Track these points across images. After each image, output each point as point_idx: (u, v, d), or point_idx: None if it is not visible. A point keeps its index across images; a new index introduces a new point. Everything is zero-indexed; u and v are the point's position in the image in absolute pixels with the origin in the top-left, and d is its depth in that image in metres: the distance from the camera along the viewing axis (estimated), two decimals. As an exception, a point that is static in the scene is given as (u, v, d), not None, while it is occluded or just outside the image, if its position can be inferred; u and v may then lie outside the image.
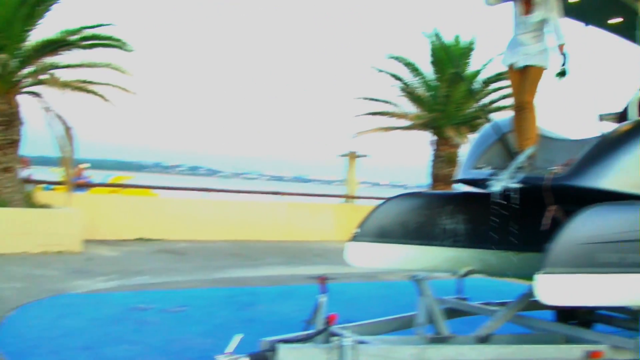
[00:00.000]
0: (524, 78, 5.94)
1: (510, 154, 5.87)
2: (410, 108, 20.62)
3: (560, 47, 5.68)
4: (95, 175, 22.80)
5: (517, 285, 7.25)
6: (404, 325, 5.69)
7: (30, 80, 14.13)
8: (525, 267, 5.94)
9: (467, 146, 6.92)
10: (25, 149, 14.46)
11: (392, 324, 5.76)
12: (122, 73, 14.68)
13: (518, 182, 5.37)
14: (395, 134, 20.84)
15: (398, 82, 20.28)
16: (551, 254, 4.28)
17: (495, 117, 7.85)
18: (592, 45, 7.22)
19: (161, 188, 21.26)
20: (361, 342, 4.39)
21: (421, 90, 20.28)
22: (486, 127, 6.37)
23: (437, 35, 19.79)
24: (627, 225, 4.54)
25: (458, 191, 7.55)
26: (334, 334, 4.54)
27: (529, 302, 5.48)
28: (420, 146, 21.18)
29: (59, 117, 13.96)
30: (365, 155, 22.67)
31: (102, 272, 11.14)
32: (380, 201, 5.95)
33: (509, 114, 6.54)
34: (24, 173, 15.12)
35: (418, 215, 5.89)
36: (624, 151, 5.14)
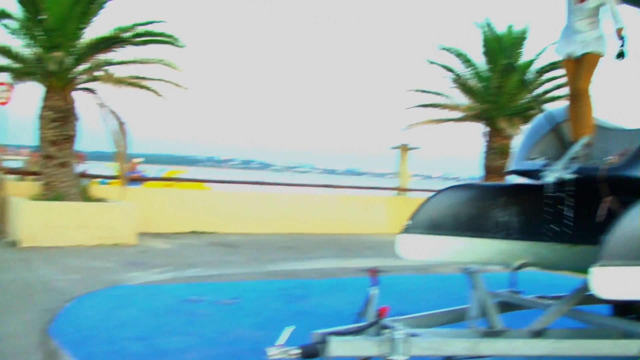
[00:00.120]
0: (580, 66, 5.79)
1: (564, 144, 5.74)
2: (462, 99, 20.35)
3: (619, 31, 5.52)
4: (149, 170, 23.16)
5: (571, 278, 7.12)
6: (456, 319, 5.61)
7: (85, 77, 14.39)
8: (580, 260, 5.80)
9: (519, 137, 6.77)
10: (81, 144, 14.73)
11: (444, 317, 5.69)
12: (174, 69, 14.83)
13: (572, 173, 5.25)
14: (447, 126, 20.61)
15: (450, 74, 20.04)
16: (607, 246, 4.17)
17: (549, 107, 7.70)
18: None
19: (214, 182, 21.45)
20: (413, 335, 4.33)
21: (473, 82, 19.98)
22: (539, 117, 6.24)
23: (489, 25, 19.46)
24: None
25: (511, 183, 7.43)
26: (385, 327, 4.49)
27: (584, 296, 5.33)
28: (473, 138, 20.91)
29: (113, 112, 14.19)
30: (417, 148, 22.50)
31: (156, 264, 11.30)
32: (432, 193, 5.88)
33: (563, 104, 6.40)
34: (80, 168, 15.41)
35: (470, 207, 5.80)
36: None
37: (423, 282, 10.78)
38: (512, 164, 6.23)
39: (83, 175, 15.68)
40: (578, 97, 5.80)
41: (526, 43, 19.64)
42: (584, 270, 4.54)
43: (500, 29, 19.53)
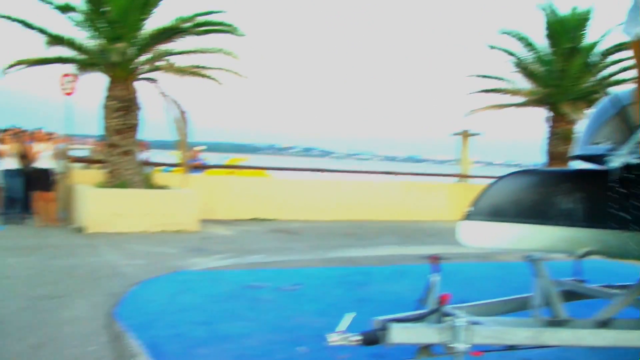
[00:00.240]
0: None
1: (630, 128, 5.56)
2: (524, 84, 19.94)
3: None
4: (211, 158, 23.39)
5: (638, 267, 6.92)
6: (518, 307, 5.50)
7: (147, 67, 14.61)
8: (647, 248, 5.63)
9: (584, 121, 6.57)
10: (144, 133, 14.96)
11: (506, 305, 5.59)
12: (234, 57, 14.91)
13: (638, 158, 5.09)
14: (509, 111, 20.27)
15: (512, 58, 19.65)
16: None
17: (614, 90, 7.49)
18: None
19: (275, 169, 21.57)
20: (475, 323, 4.27)
21: (535, 65, 19.53)
22: (604, 100, 6.06)
23: (551, 7, 19.01)
24: None
25: (575, 168, 7.24)
26: (446, 314, 4.43)
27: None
28: (535, 123, 20.51)
29: (175, 101, 14.37)
30: (478, 134, 22.17)
31: (218, 250, 11.44)
32: (494, 180, 5.77)
33: (630, 86, 6.20)
34: (143, 156, 15.65)
35: (533, 194, 5.67)
36: None
37: (485, 269, 10.65)
38: (576, 149, 6.06)
39: (146, 163, 15.93)
40: None
41: (590, 24, 19.12)
42: (651, 258, 4.41)
43: (564, 10, 19.07)
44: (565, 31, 18.44)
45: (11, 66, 14.21)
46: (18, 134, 14.76)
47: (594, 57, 18.74)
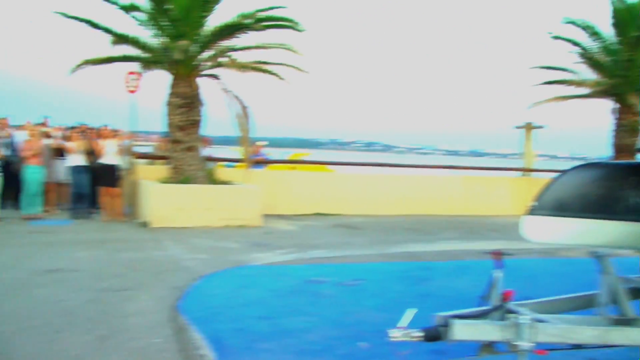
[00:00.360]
0: None
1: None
2: (590, 75, 19.41)
3: None
4: (273, 153, 23.50)
5: None
6: (584, 305, 5.33)
7: (209, 63, 14.75)
8: None
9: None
10: (207, 129, 15.10)
11: (571, 302, 5.44)
12: (295, 53, 14.93)
13: None
14: (573, 103, 19.78)
15: (576, 48, 19.16)
16: None
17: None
18: None
19: (337, 164, 21.55)
20: (539, 321, 4.17)
21: (601, 56, 18.99)
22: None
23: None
24: None
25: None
26: (510, 311, 4.34)
27: None
28: (601, 115, 19.97)
29: (237, 97, 14.49)
30: (542, 127, 21.70)
31: (280, 245, 11.50)
32: (559, 173, 5.62)
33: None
34: (206, 152, 15.82)
35: (599, 187, 5.50)
36: None
37: (549, 265, 10.44)
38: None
39: (209, 158, 16.09)
40: None
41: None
42: None
43: (632, -3, 18.48)
44: (633, 19, 17.88)
45: (78, 66, 14.54)
46: (85, 132, 15.11)
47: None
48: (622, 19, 18.23)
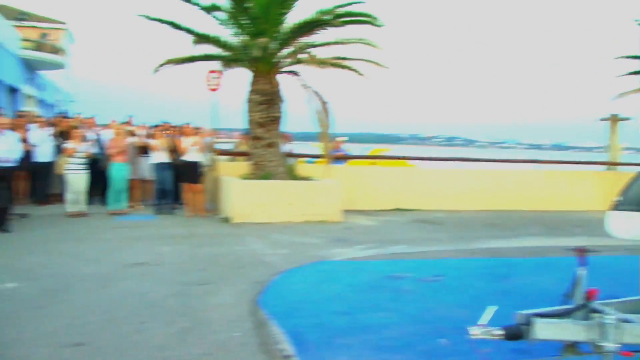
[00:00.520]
0: None
1: None
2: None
3: None
4: (353, 148, 23.50)
5: None
6: (674, 306, 5.14)
7: (288, 60, 14.83)
8: None
9: None
10: (287, 125, 15.21)
11: (660, 302, 5.23)
12: (375, 48, 14.84)
13: None
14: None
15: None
16: None
17: None
18: None
19: (418, 159, 21.36)
20: (625, 321, 4.00)
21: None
22: None
23: None
24: None
25: None
26: (594, 310, 4.18)
27: None
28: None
29: (317, 93, 14.51)
30: (628, 119, 20.96)
31: (360, 240, 11.48)
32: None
33: None
34: (286, 148, 15.93)
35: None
36: None
37: (635, 263, 10.04)
38: None
39: (289, 154, 16.22)
40: None
41: None
42: None
43: None
44: None
45: (161, 65, 14.87)
46: (167, 129, 15.46)
47: None
48: None
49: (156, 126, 15.65)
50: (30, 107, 32.78)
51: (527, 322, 3.95)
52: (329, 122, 14.46)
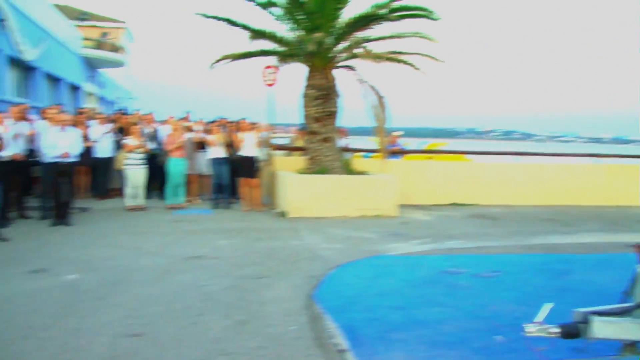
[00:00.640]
0: None
1: None
2: None
3: None
4: (410, 143, 23.34)
5: None
6: None
7: (344, 55, 14.82)
8: None
9: None
10: (343, 120, 15.20)
11: None
12: (431, 41, 14.72)
13: None
14: None
15: None
16: None
17: None
18: None
19: (474, 153, 21.12)
20: None
21: None
22: None
23: None
24: None
25: None
26: (654, 309, 4.10)
27: None
28: None
29: (373, 88, 14.46)
30: (697, 111, 20.35)
31: (416, 235, 11.43)
32: None
33: None
34: (342, 142, 15.93)
35: None
36: None
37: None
38: None
39: (345, 149, 16.21)
40: None
41: None
42: None
43: None
44: None
45: (217, 61, 15.04)
46: (224, 125, 15.62)
47: None
48: None
49: (213, 122, 15.81)
50: (90, 104, 33.55)
51: (585, 320, 3.88)
52: (385, 116, 14.40)
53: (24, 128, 12.62)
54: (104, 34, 40.51)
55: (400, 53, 14.98)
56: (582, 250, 10.24)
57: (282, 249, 9.93)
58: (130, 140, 14.05)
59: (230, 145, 14.60)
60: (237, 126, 15.08)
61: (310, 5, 13.90)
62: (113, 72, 43.80)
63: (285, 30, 14.64)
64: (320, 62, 14.40)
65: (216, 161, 14.57)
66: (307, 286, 7.52)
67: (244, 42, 14.73)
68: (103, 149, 14.96)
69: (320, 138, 14.38)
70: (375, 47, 14.65)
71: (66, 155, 11.82)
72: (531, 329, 3.87)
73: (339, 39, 14.47)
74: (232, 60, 15.12)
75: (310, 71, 14.59)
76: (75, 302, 6.74)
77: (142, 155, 14.06)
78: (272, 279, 7.94)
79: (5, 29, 20.31)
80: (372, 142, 17.96)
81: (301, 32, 14.37)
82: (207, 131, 15.27)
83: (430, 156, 20.32)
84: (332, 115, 14.54)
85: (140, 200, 14.07)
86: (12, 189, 12.17)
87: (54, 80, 29.12)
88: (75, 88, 33.82)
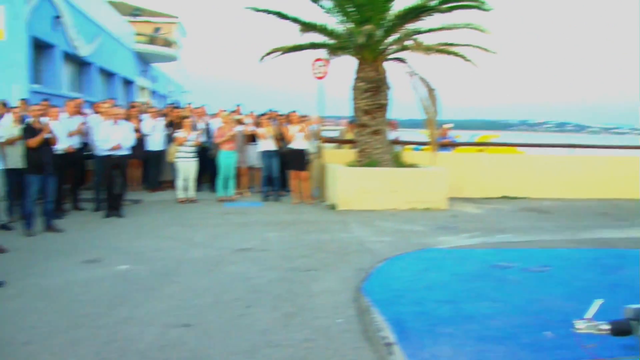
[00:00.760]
0: None
1: None
2: None
3: None
4: (461, 135, 23.16)
5: None
6: None
7: (394, 47, 14.74)
8: None
9: None
10: (393, 112, 15.15)
11: None
12: (483, 33, 14.54)
13: None
14: None
15: None
16: None
17: None
18: None
19: (526, 145, 20.86)
20: None
21: None
22: None
23: None
24: None
25: None
26: None
27: None
28: None
29: (423, 80, 14.37)
30: None
31: (466, 228, 11.35)
32: None
33: None
34: (392, 135, 15.88)
35: None
36: None
37: None
38: None
39: (395, 142, 16.16)
40: None
41: None
42: None
43: None
44: None
45: (268, 54, 15.13)
46: (274, 118, 15.71)
47: None
48: None
49: (263, 114, 15.91)
50: (143, 98, 34.07)
51: (636, 317, 3.81)
52: (436, 109, 14.31)
53: (77, 122, 12.90)
54: (157, 29, 41.07)
55: (451, 45, 14.85)
56: (635, 246, 9.98)
57: (331, 241, 9.97)
58: (181, 134, 14.24)
59: (281, 138, 14.69)
60: (287, 119, 15.15)
61: (360, -2, 13.87)
62: (165, 66, 44.38)
63: (335, 22, 14.66)
64: (370, 54, 14.36)
65: (266, 154, 14.66)
66: (356, 279, 7.54)
67: (294, 35, 14.77)
68: (155, 142, 15.19)
69: (370, 131, 14.35)
70: (425, 39, 14.56)
71: (118, 147, 12.07)
72: (581, 326, 3.82)
73: (389, 31, 14.39)
74: (282, 54, 15.20)
75: (360, 64, 14.57)
76: (126, 292, 6.89)
77: (193, 148, 14.24)
78: (321, 271, 7.98)
79: (61, 26, 20.73)
80: (422, 135, 17.88)
81: (351, 25, 14.35)
82: (258, 124, 15.37)
83: (481, 148, 20.14)
84: (382, 107, 14.50)
85: (191, 193, 14.27)
86: (67, 182, 12.48)
87: (108, 75, 29.68)
88: (128, 82, 34.41)
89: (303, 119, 15.19)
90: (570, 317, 3.92)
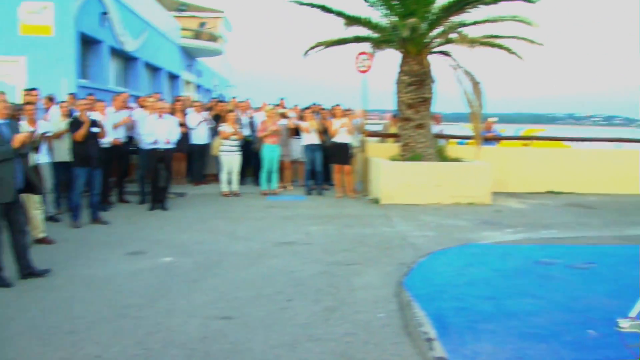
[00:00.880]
0: None
1: None
2: None
3: None
4: (505, 129, 22.91)
5: None
6: None
7: (439, 40, 14.64)
8: None
9: None
10: (437, 106, 15.05)
11: None
12: (529, 25, 14.36)
13: None
14: None
15: None
16: None
17: None
18: None
19: (572, 139, 20.54)
20: None
21: None
22: None
23: None
24: None
25: None
26: None
27: None
28: None
29: (468, 73, 14.23)
30: None
31: (510, 224, 11.25)
32: None
33: None
34: (436, 129, 15.80)
35: None
36: None
37: None
38: None
39: (439, 136, 16.07)
40: None
41: None
42: None
43: None
44: None
45: (312, 48, 15.16)
46: (318, 111, 15.74)
47: None
48: None
49: (307, 108, 15.95)
50: (188, 93, 34.40)
51: (683, 318, 3.75)
52: (481, 102, 14.16)
53: (123, 116, 13.10)
54: (202, 24, 41.37)
55: (496, 37, 14.70)
56: (685, 243, 9.83)
57: (374, 235, 9.98)
58: (225, 127, 14.36)
59: (324, 132, 14.72)
60: (331, 113, 15.18)
61: (405, -9, 13.80)
62: (211, 60, 44.71)
63: (379, 16, 14.60)
64: (414, 47, 14.29)
65: (310, 148, 14.72)
66: (397, 273, 7.54)
67: (338, 29, 14.75)
68: (199, 135, 15.37)
69: (414, 124, 14.29)
70: (470, 32, 14.41)
71: (165, 141, 12.24)
72: (625, 325, 3.77)
73: (434, 24, 14.29)
74: (326, 47, 15.21)
75: (404, 57, 14.50)
76: (169, 284, 7.01)
77: (237, 142, 14.36)
78: (363, 265, 8.00)
79: (108, 22, 21.04)
80: (466, 129, 17.74)
81: (395, 18, 14.28)
82: (301, 118, 15.41)
83: (526, 143, 19.89)
84: (426, 101, 14.42)
85: (235, 186, 14.40)
86: (113, 175, 12.70)
87: (154, 69, 30.02)
88: (173, 77, 34.75)
89: (346, 112, 15.20)
90: (615, 315, 3.87)
